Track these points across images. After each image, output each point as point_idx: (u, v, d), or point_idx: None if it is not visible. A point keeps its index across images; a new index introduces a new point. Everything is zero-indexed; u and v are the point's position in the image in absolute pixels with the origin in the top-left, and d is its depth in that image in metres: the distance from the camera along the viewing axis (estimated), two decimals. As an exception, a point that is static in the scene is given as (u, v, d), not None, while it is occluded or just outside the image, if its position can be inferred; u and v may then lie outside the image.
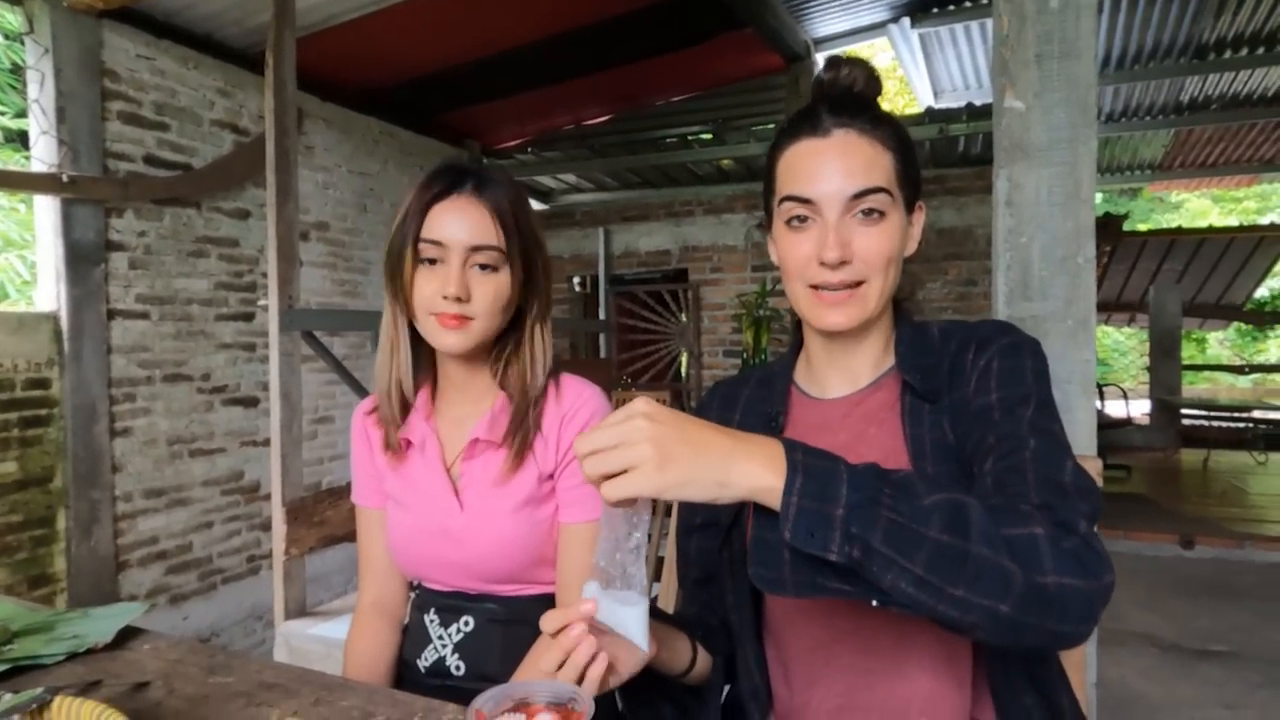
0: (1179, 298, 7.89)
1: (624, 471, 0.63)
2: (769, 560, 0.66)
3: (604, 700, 0.75)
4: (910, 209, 0.88)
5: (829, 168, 0.83)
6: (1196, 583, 3.99)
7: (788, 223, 0.87)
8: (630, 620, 0.70)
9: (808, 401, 0.95)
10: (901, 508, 0.63)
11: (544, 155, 6.01)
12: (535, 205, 6.08)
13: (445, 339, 1.04)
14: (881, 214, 0.83)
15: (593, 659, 0.71)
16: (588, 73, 4.68)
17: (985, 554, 0.63)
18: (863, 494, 0.63)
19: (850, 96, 0.89)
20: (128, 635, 0.99)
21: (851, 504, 0.63)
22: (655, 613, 0.90)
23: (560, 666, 0.72)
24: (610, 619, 0.70)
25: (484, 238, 1.03)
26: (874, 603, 0.65)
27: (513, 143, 5.91)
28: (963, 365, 0.85)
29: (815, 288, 0.86)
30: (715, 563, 0.97)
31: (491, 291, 1.04)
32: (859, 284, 0.84)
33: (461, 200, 1.03)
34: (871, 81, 0.90)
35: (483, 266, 1.04)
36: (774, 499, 0.64)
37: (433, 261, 1.03)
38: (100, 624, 0.98)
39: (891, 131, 0.86)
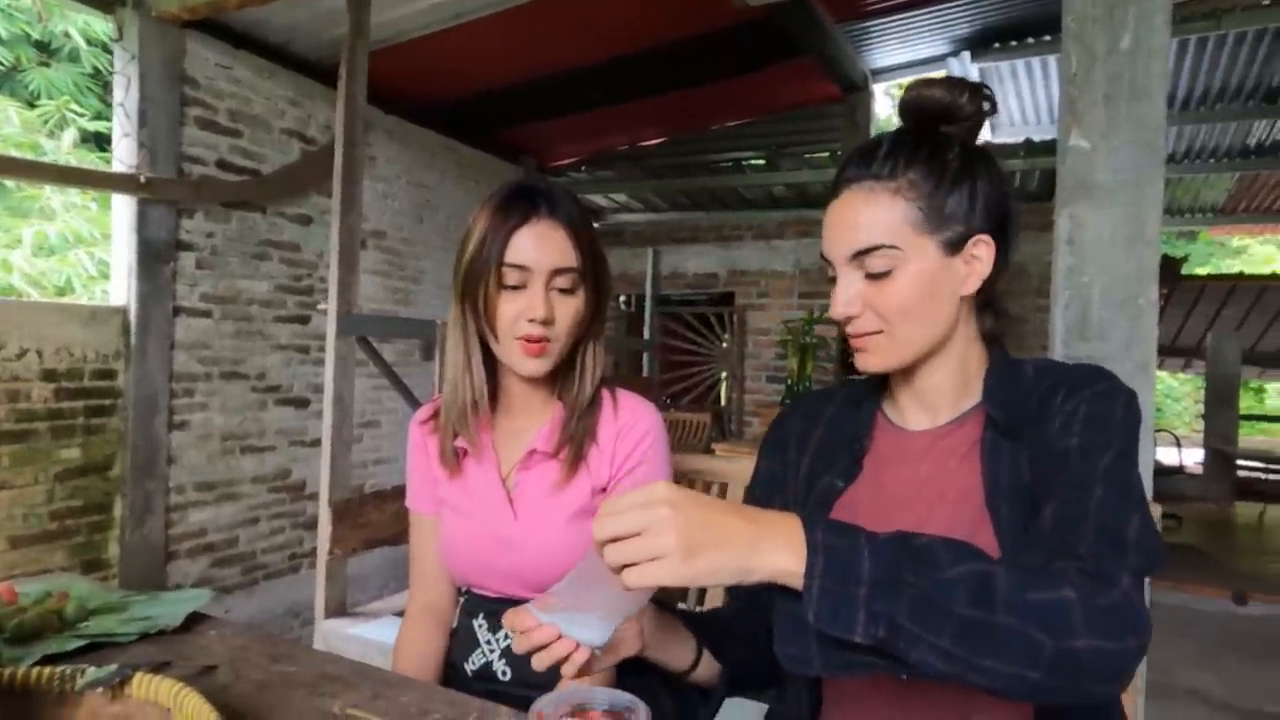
0: (1238, 345, 7.66)
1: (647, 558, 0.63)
2: (796, 639, 0.66)
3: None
4: (957, 248, 0.85)
5: (834, 229, 0.86)
6: (1250, 640, 3.84)
7: (829, 276, 0.90)
8: (592, 641, 0.72)
9: (893, 430, 0.95)
10: (925, 582, 0.63)
11: (597, 174, 6.09)
12: (586, 223, 6.18)
13: (528, 364, 1.07)
14: (886, 271, 0.83)
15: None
16: (645, 95, 4.74)
17: (1012, 624, 0.62)
18: (885, 571, 0.63)
19: (915, 128, 0.88)
20: (194, 620, 1.03)
21: (874, 581, 0.62)
22: (668, 608, 0.91)
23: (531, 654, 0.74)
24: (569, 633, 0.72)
25: (565, 260, 1.06)
26: (903, 676, 0.65)
27: (567, 160, 6.00)
28: (1050, 406, 0.84)
29: (846, 334, 0.89)
30: None
31: (572, 313, 1.08)
32: (876, 332, 0.85)
33: (541, 224, 1.06)
34: (953, 99, 0.86)
35: (562, 290, 1.07)
36: (797, 582, 0.64)
37: (515, 287, 1.05)
38: (170, 607, 1.02)
39: (922, 173, 0.83)
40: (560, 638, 0.72)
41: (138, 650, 0.92)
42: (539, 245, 1.05)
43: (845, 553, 0.64)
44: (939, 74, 0.95)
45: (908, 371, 0.90)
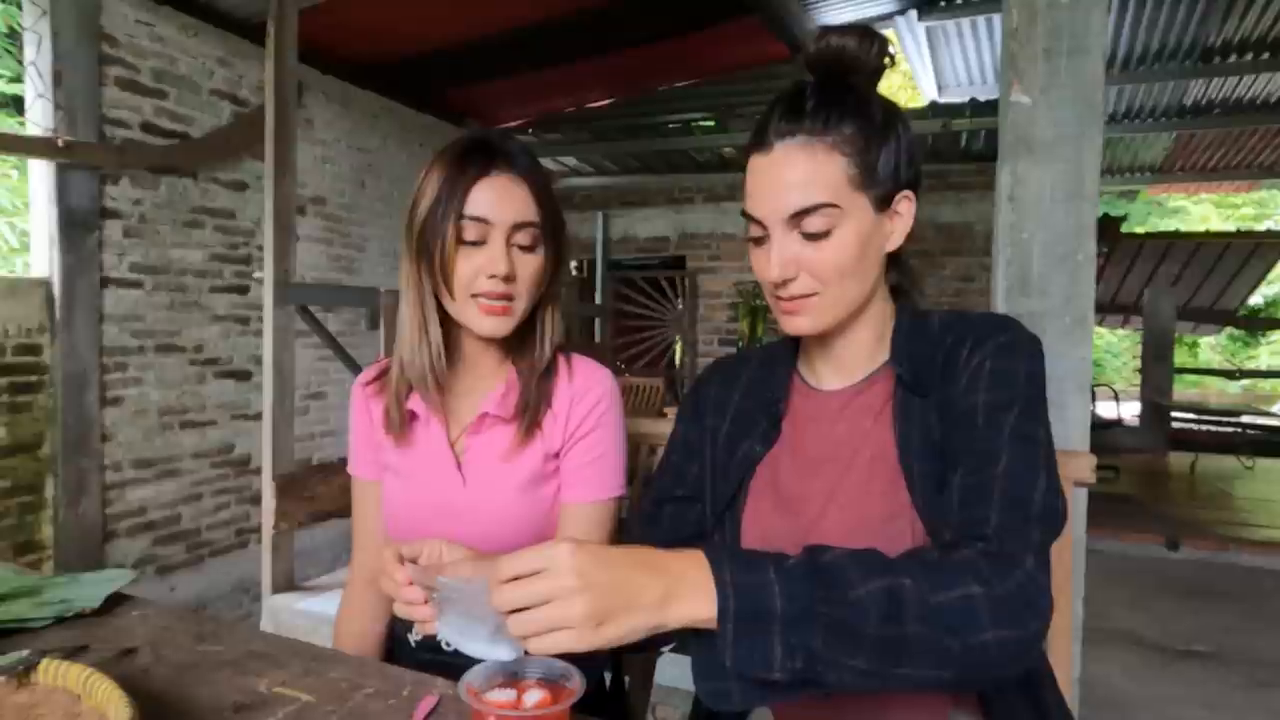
0: (1173, 301, 7.91)
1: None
2: (713, 674, 0.64)
3: (595, 678, 0.75)
4: (886, 204, 0.84)
5: (768, 186, 0.82)
6: (1181, 584, 4.02)
7: (750, 236, 0.87)
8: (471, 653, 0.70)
9: (808, 391, 0.95)
10: (838, 609, 0.63)
11: (545, 137, 5.98)
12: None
13: (486, 324, 1.02)
14: (825, 231, 0.80)
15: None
16: (591, 55, 4.63)
17: (923, 632, 0.63)
18: (797, 603, 0.62)
19: (828, 80, 0.84)
20: (116, 601, 0.99)
21: (788, 617, 0.62)
22: None
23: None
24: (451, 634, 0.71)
25: (527, 215, 1.02)
26: (826, 696, 0.65)
27: (513, 123, 5.86)
28: (956, 360, 0.83)
29: (776, 297, 0.86)
30: (692, 535, 0.97)
31: (532, 271, 1.04)
32: (812, 294, 0.83)
33: (502, 178, 1.01)
34: (864, 50, 0.84)
35: (523, 247, 1.03)
36: (712, 625, 0.63)
37: (474, 242, 1.01)
38: (89, 589, 0.97)
39: (855, 128, 0.81)
40: (426, 602, 0.74)
41: (53, 635, 0.88)
42: (499, 198, 1.00)
43: (755, 589, 0.63)
44: (841, 23, 0.92)
45: (824, 333, 0.89)
